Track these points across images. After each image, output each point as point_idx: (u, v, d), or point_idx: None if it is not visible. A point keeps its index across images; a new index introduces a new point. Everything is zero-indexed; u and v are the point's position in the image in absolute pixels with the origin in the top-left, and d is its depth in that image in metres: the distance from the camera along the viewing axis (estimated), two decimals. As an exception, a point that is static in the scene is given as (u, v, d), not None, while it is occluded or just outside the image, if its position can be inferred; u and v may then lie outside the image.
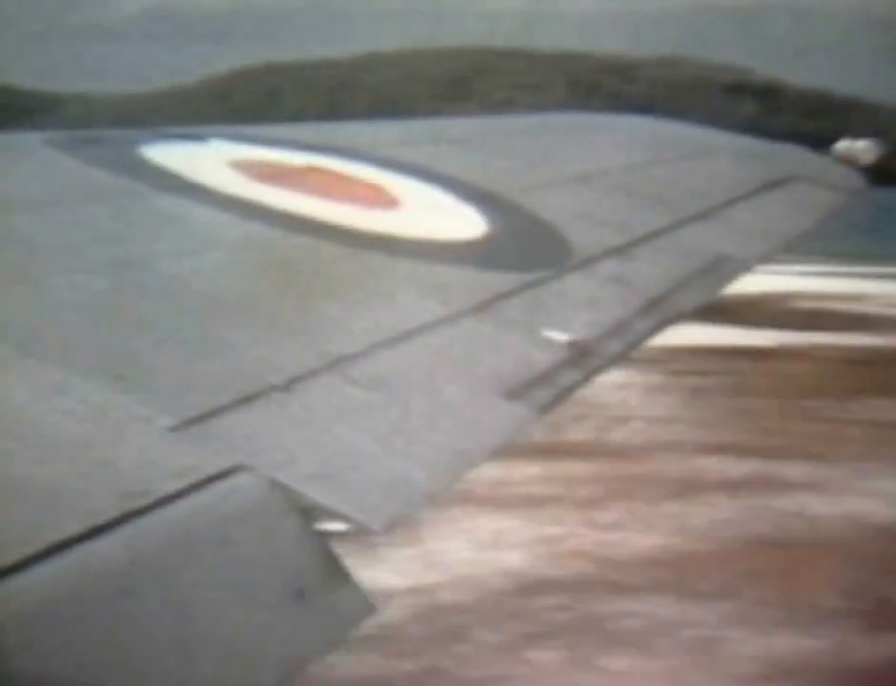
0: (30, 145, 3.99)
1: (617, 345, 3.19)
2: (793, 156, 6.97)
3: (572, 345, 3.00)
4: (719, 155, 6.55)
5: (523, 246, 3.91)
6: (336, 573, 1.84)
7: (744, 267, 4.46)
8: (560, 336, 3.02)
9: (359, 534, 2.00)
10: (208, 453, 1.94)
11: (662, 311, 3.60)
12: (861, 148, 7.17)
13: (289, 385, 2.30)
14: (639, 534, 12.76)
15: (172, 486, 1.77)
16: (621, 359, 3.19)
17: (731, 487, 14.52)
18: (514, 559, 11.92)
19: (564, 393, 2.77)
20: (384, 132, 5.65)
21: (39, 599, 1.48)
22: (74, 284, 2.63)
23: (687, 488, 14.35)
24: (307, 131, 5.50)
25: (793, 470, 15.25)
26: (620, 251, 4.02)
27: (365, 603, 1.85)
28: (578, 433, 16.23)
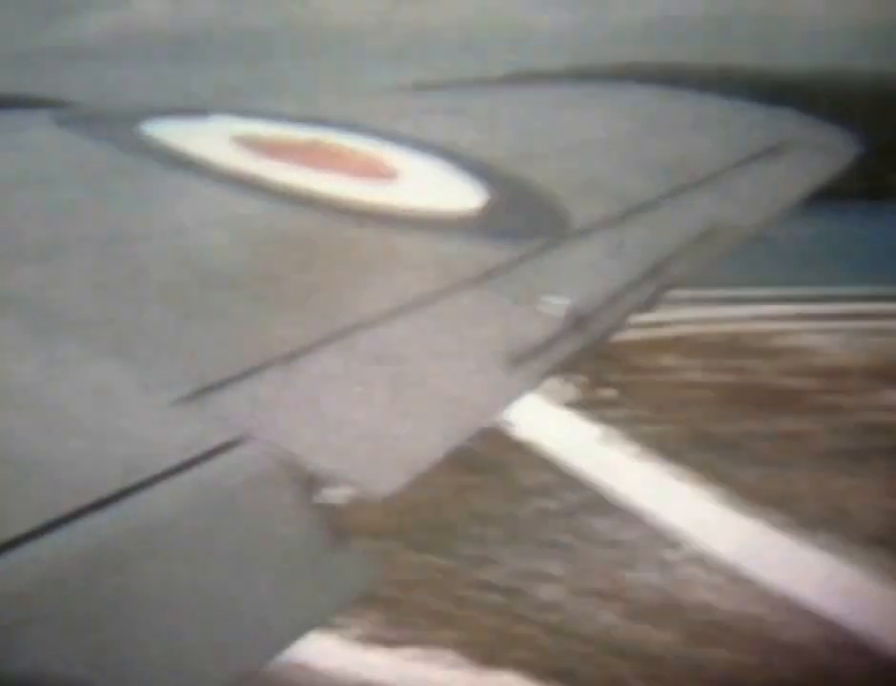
0: (38, 122, 4.03)
1: (615, 312, 3.24)
2: (789, 122, 6.96)
3: (571, 312, 3.05)
4: (717, 123, 6.55)
5: (522, 215, 3.94)
6: (338, 538, 1.89)
7: (740, 233, 4.49)
8: (560, 304, 3.06)
9: (363, 499, 2.06)
10: (213, 425, 1.99)
11: (659, 278, 3.64)
12: None
13: (292, 357, 2.36)
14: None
15: (177, 458, 1.82)
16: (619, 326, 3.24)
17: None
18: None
19: (564, 360, 2.83)
20: (384, 105, 5.68)
21: (44, 572, 1.53)
22: (81, 260, 2.68)
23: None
24: (311, 105, 5.53)
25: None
26: (617, 219, 4.05)
27: (366, 566, 1.90)
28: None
